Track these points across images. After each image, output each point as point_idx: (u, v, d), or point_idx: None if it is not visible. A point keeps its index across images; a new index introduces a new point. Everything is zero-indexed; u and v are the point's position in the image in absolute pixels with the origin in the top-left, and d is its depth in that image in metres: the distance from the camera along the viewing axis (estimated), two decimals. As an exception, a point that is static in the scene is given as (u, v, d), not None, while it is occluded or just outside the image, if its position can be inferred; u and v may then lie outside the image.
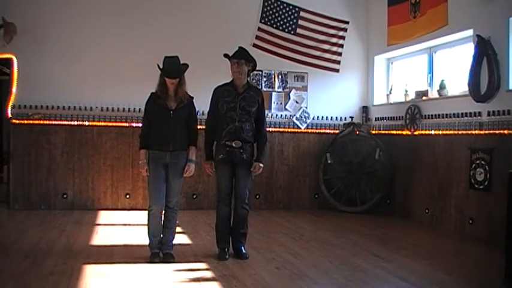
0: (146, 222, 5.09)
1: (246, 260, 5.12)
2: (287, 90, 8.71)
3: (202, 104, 8.07)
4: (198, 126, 5.20)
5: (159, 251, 5.05)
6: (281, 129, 8.66)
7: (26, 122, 7.75)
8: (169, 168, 5.00)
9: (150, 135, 5.00)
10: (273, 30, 8.59)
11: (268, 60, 8.56)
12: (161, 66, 5.01)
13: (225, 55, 5.29)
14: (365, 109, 8.95)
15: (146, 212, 5.09)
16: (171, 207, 5.08)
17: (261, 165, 5.24)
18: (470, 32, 6.59)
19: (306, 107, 8.74)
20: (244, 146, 5.16)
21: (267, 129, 8.32)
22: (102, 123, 7.93)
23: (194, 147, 5.11)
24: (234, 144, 5.13)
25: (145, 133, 5.06)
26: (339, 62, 8.84)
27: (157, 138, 4.97)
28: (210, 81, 8.26)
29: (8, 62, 7.94)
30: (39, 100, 7.77)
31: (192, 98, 5.17)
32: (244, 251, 5.27)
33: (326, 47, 8.79)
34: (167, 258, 5.00)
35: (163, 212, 5.09)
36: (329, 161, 8.51)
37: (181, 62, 5.05)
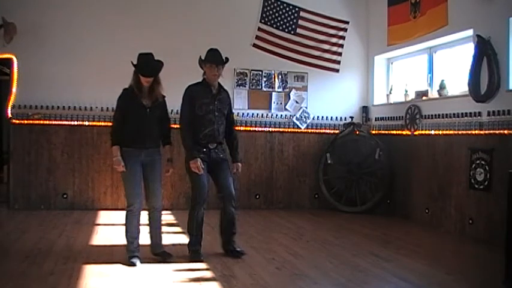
0: (124, 223, 5.00)
1: (246, 260, 5.12)
2: (287, 90, 8.71)
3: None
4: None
5: (138, 253, 4.95)
6: (281, 129, 8.66)
7: (26, 122, 7.75)
8: (147, 167, 4.95)
9: (124, 132, 4.93)
10: (273, 30, 8.60)
11: (268, 60, 8.58)
12: (135, 63, 4.93)
13: (204, 60, 5.21)
14: (365, 109, 8.95)
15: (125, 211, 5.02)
16: (156, 207, 5.04)
17: (240, 164, 5.45)
18: (470, 32, 6.59)
19: (306, 107, 8.74)
20: (217, 146, 5.25)
21: (269, 129, 8.57)
22: (102, 123, 7.91)
23: (170, 145, 5.16)
24: (210, 146, 5.19)
25: (118, 130, 4.96)
26: (339, 62, 8.85)
27: (133, 135, 4.90)
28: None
29: (8, 62, 7.95)
30: (39, 100, 7.77)
31: (164, 96, 5.11)
32: (239, 248, 5.29)
33: (326, 47, 8.79)
34: (166, 257, 5.01)
35: (148, 213, 5.05)
36: (329, 161, 8.51)
37: (157, 59, 4.98)
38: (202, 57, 5.23)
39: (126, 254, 4.94)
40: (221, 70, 5.20)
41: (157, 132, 5.03)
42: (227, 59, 5.22)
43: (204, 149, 5.17)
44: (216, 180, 5.31)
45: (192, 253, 5.15)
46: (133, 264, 4.80)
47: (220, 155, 5.26)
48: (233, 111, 5.68)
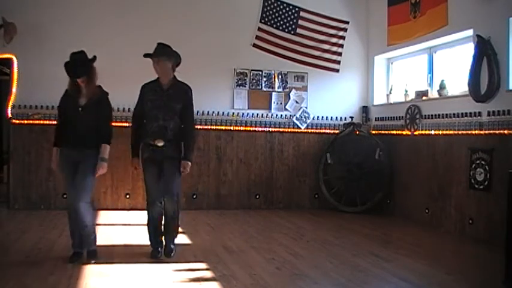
0: (67, 221, 5.00)
1: (246, 260, 5.12)
2: (287, 90, 8.70)
3: (203, 104, 8.20)
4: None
5: (80, 250, 4.93)
6: (281, 129, 8.66)
7: (26, 122, 7.75)
8: (79, 165, 4.86)
9: (61, 132, 4.93)
10: (273, 30, 8.60)
11: (268, 60, 8.58)
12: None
13: (145, 55, 5.19)
14: (365, 109, 8.95)
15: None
16: (78, 205, 4.78)
17: (189, 163, 5.09)
18: (470, 32, 6.59)
19: (306, 107, 8.74)
20: (167, 144, 5.04)
21: (269, 129, 8.57)
22: (102, 123, 7.91)
23: (106, 144, 4.91)
24: (157, 143, 5.05)
25: (56, 130, 4.97)
26: (339, 62, 8.85)
27: (67, 135, 4.88)
28: (210, 80, 8.39)
29: (8, 62, 7.95)
30: (39, 100, 7.77)
31: (107, 94, 5.02)
32: (172, 246, 5.21)
33: (326, 47, 8.79)
34: (91, 257, 4.88)
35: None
36: (329, 161, 8.52)
37: (91, 57, 4.90)
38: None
39: (71, 250, 4.93)
40: (163, 64, 5.06)
41: (92, 131, 4.88)
42: (163, 52, 5.08)
43: (151, 147, 5.07)
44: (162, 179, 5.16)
45: (151, 251, 5.19)
46: (74, 261, 4.78)
47: (169, 153, 5.05)
48: (192, 109, 5.27)
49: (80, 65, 4.85)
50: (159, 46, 5.18)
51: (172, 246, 5.24)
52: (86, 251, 4.94)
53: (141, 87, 5.28)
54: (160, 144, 5.04)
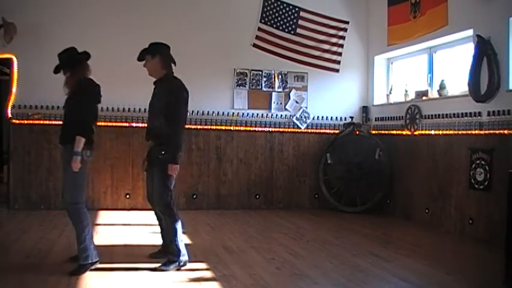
0: None
1: (246, 260, 5.12)
2: (287, 90, 8.70)
3: (203, 104, 8.21)
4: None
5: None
6: (281, 129, 8.66)
7: (26, 122, 7.75)
8: (62, 163, 4.78)
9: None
10: (273, 30, 8.60)
11: (268, 60, 8.57)
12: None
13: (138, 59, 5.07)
14: (365, 109, 8.95)
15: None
16: (67, 208, 4.70)
17: (172, 165, 4.67)
18: (470, 32, 6.59)
19: (306, 107, 8.74)
20: (152, 145, 4.87)
21: (269, 129, 8.57)
22: (102, 123, 7.87)
23: (78, 136, 4.48)
24: (150, 144, 4.93)
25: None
26: (339, 62, 8.85)
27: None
28: (210, 80, 8.40)
29: (8, 62, 7.94)
30: (39, 100, 7.77)
31: (96, 85, 4.79)
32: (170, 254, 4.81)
33: (326, 47, 8.79)
34: (74, 272, 4.51)
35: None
36: (329, 161, 8.52)
37: (80, 51, 4.87)
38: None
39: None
40: (148, 63, 4.95)
41: (66, 125, 4.70)
42: (146, 51, 4.96)
43: (148, 148, 4.99)
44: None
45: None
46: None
47: (155, 154, 4.78)
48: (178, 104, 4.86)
49: (62, 60, 4.79)
50: (147, 48, 5.02)
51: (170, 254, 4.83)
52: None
53: None
54: (151, 145, 4.92)
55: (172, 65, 5.04)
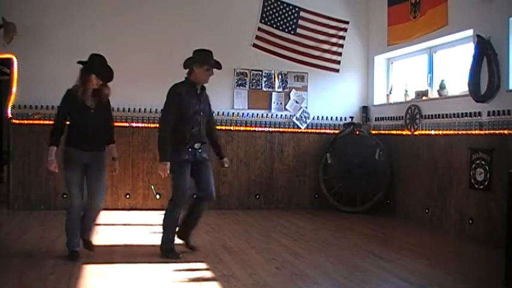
0: (65, 222, 5.05)
1: (246, 260, 5.12)
2: (287, 90, 8.70)
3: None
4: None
5: (79, 248, 5.01)
6: (281, 129, 8.66)
7: (26, 122, 7.75)
8: (91, 167, 4.95)
9: (68, 133, 4.95)
10: (273, 30, 8.60)
11: (268, 60, 8.57)
12: (87, 63, 4.97)
13: (216, 66, 5.31)
14: (365, 109, 8.95)
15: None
16: (96, 209, 5.07)
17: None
18: (470, 32, 6.59)
19: (306, 107, 8.74)
20: (202, 146, 5.25)
21: (269, 129, 8.58)
22: (102, 123, 7.91)
23: (114, 144, 5.25)
24: (195, 146, 5.18)
25: (59, 131, 4.95)
26: (339, 62, 8.85)
27: (78, 136, 4.91)
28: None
29: (8, 62, 7.93)
30: (39, 100, 7.77)
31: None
32: (193, 243, 5.47)
33: (326, 47, 8.79)
34: (88, 247, 5.14)
35: (85, 212, 5.01)
36: (329, 161, 8.52)
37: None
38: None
39: (67, 249, 4.98)
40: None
41: (102, 133, 5.07)
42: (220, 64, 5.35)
43: (190, 149, 5.14)
44: (198, 180, 5.29)
45: (165, 251, 5.16)
46: (74, 259, 4.86)
47: (204, 155, 5.26)
48: (213, 110, 5.68)
49: (109, 70, 5.04)
50: (211, 55, 5.32)
51: (193, 243, 5.50)
52: (83, 240, 5.12)
53: (174, 89, 5.24)
54: (198, 147, 5.25)
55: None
